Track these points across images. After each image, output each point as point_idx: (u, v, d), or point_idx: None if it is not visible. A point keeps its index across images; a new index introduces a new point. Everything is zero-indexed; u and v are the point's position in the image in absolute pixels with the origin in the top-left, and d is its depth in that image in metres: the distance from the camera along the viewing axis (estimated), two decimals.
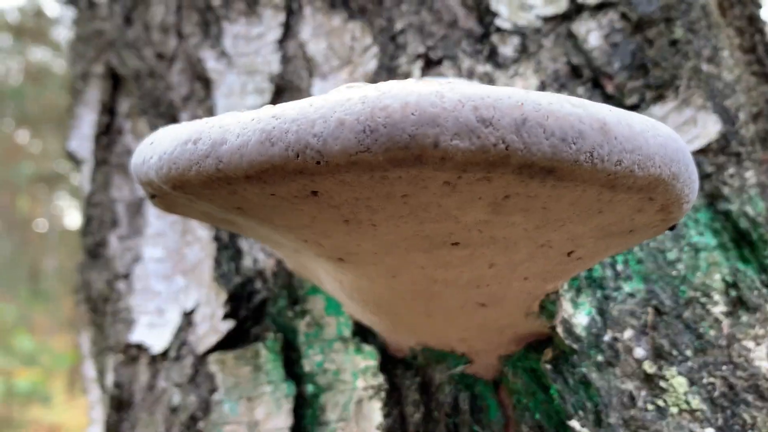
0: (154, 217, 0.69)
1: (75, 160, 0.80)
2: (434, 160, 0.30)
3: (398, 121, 0.29)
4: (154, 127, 0.69)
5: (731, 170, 0.61)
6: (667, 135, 0.34)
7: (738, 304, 0.57)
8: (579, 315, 0.52)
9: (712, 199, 0.59)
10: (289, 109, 0.31)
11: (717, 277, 0.57)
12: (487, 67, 0.58)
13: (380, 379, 0.53)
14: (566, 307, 0.51)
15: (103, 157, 0.75)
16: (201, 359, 0.60)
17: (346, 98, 0.30)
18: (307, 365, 0.57)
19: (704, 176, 0.59)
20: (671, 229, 0.43)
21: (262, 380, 0.57)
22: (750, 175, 0.62)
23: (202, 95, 0.66)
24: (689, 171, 0.36)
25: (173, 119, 0.68)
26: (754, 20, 0.71)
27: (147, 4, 0.72)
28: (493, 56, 0.59)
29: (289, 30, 0.65)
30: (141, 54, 0.72)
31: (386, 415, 0.52)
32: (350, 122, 0.30)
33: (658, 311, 0.54)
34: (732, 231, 0.59)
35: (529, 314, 0.48)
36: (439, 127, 0.29)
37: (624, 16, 0.61)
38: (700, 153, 0.60)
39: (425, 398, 0.53)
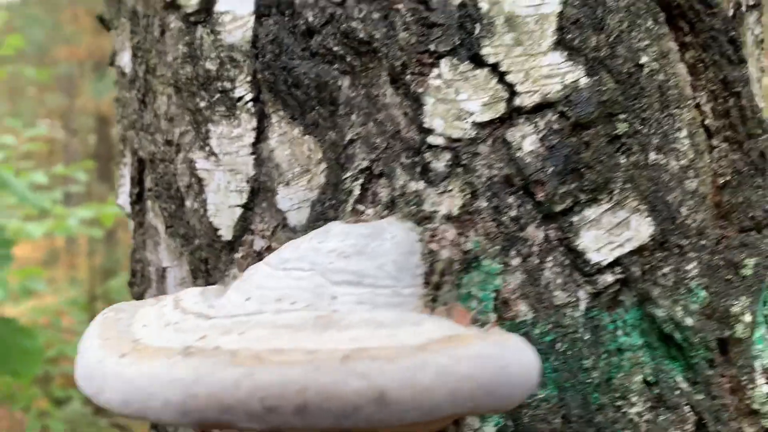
0: (172, 286, 0.81)
1: (125, 213, 0.94)
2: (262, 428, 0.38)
3: (204, 407, 0.38)
4: (164, 211, 0.80)
5: (666, 269, 0.63)
6: (465, 375, 0.40)
7: (658, 404, 0.61)
8: (486, 427, 0.59)
9: (641, 299, 0.62)
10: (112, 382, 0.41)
11: (638, 378, 0.61)
12: (420, 185, 0.63)
13: None
14: (471, 423, 0.58)
15: (139, 221, 0.88)
16: None
17: (168, 379, 0.39)
18: None
19: (634, 279, 0.62)
20: None
21: None
22: (692, 267, 0.64)
23: (197, 189, 0.76)
24: (499, 393, 0.41)
25: (182, 204, 0.79)
26: (728, 84, 0.68)
27: (155, 93, 0.82)
28: (425, 172, 0.63)
29: (261, 134, 0.72)
30: (154, 138, 0.82)
31: None
32: (175, 402, 0.39)
33: (566, 419, 0.59)
34: (658, 331, 0.61)
35: None
36: (234, 415, 0.38)
37: (563, 116, 0.63)
38: (635, 253, 0.62)
39: None
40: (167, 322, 0.48)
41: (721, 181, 0.68)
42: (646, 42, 0.66)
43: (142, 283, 0.88)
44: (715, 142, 0.69)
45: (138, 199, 0.87)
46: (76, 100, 8.50)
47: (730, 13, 0.79)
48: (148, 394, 0.40)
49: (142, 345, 0.44)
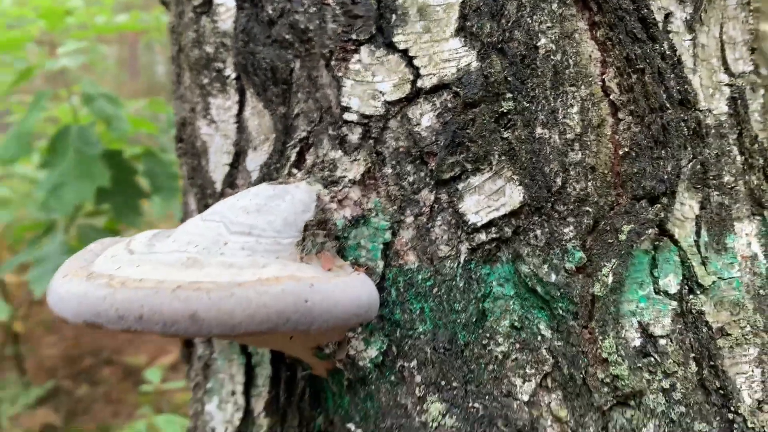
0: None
1: None
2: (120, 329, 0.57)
3: (86, 312, 0.57)
4: (188, 165, 1.00)
5: (538, 231, 0.71)
6: (262, 304, 0.55)
7: (520, 347, 0.71)
8: (370, 350, 0.73)
9: (514, 256, 0.72)
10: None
11: (506, 323, 0.71)
12: (338, 153, 0.76)
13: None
14: (356, 345, 0.73)
15: (182, 173, 1.10)
16: None
17: (74, 293, 0.58)
18: None
19: (506, 239, 0.71)
20: None
21: None
22: (569, 230, 0.72)
23: (204, 149, 0.95)
24: (296, 320, 0.56)
25: (199, 161, 0.98)
26: (631, 61, 0.73)
27: (182, 69, 1.01)
28: (342, 143, 0.76)
29: (242, 107, 0.88)
30: (184, 106, 1.02)
31: (269, 392, 0.81)
32: (73, 309, 0.58)
33: (436, 350, 0.72)
34: (525, 284, 0.71)
35: (313, 357, 0.71)
36: (101, 318, 0.56)
37: (456, 96, 0.73)
38: (508, 216, 0.71)
39: (292, 386, 0.80)
40: (113, 254, 0.68)
41: (621, 152, 0.74)
42: (548, 24, 0.73)
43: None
44: (621, 115, 0.74)
45: (181, 130, 1.08)
46: None
47: None
48: (63, 302, 0.59)
49: (84, 269, 0.64)
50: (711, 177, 0.79)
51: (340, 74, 0.76)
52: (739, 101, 0.85)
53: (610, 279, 0.70)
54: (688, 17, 0.81)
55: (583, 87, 0.73)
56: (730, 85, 0.85)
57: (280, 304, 0.56)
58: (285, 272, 0.60)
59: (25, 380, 6.96)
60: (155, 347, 9.96)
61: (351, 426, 0.73)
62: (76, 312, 0.57)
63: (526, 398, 0.70)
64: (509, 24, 0.72)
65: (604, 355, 0.69)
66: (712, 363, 0.75)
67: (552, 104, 0.72)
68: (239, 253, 0.65)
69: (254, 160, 0.86)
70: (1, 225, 6.71)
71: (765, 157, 0.88)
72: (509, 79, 0.72)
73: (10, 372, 7.42)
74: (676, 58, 0.77)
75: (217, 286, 0.56)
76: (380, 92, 0.75)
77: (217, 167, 0.92)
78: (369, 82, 0.75)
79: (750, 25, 0.90)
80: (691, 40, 0.80)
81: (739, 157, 0.84)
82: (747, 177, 0.84)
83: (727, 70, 0.85)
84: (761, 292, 0.82)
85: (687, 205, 0.77)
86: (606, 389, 0.70)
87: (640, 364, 0.71)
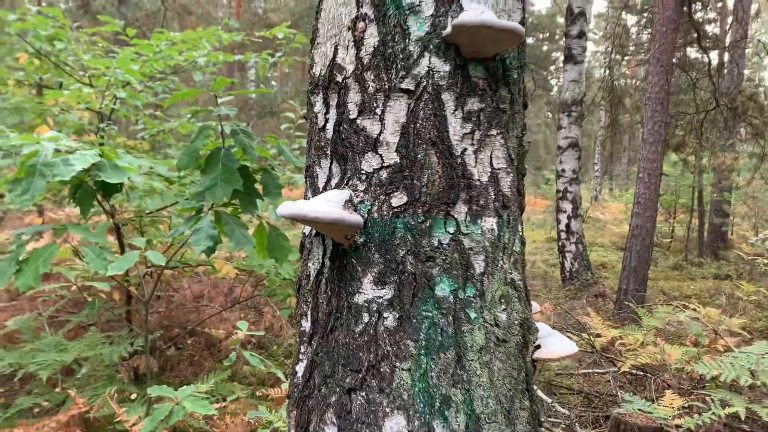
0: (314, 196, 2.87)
1: None
2: (304, 222, 2.39)
3: (303, 218, 2.38)
4: (310, 181, 2.85)
5: (410, 210, 2.52)
6: (325, 219, 2.35)
7: (404, 241, 2.52)
8: (359, 238, 2.53)
9: (405, 217, 2.52)
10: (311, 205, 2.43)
11: (400, 234, 2.52)
12: (358, 183, 2.58)
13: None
14: (356, 237, 2.54)
15: (306, 178, 2.95)
16: None
17: (300, 211, 2.40)
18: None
19: (402, 211, 2.52)
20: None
21: None
22: (421, 211, 2.52)
23: (317, 176, 2.79)
24: (337, 225, 2.35)
25: (314, 181, 2.82)
26: (445, 165, 2.55)
27: (311, 146, 2.85)
28: (361, 179, 2.59)
29: (331, 165, 2.71)
30: (310, 159, 2.87)
31: (331, 252, 2.65)
32: (300, 216, 2.40)
33: (378, 240, 2.53)
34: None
35: (345, 239, 2.53)
36: (297, 217, 2.38)
37: (394, 168, 2.54)
38: (404, 204, 2.52)
39: (338, 251, 2.63)
40: (299, 203, 2.50)
41: (440, 190, 2.54)
42: (427, 146, 2.54)
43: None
44: (443, 179, 2.54)
45: (307, 170, 2.93)
46: None
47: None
48: (295, 215, 2.40)
49: (294, 205, 2.45)
50: (473, 200, 2.58)
51: (361, 167, 2.59)
52: (494, 176, 2.64)
53: (429, 224, 2.50)
54: (475, 149, 2.60)
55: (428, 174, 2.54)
56: (490, 173, 2.64)
57: (337, 218, 2.38)
58: (340, 211, 2.42)
59: (132, 335, 8.95)
60: (231, 325, 11.95)
61: (353, 260, 2.55)
62: (300, 218, 2.40)
63: (404, 251, 2.50)
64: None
65: (424, 245, 2.49)
66: (464, 257, 2.54)
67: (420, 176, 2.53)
68: (331, 207, 2.47)
69: (333, 180, 2.69)
70: (125, 208, 8.77)
71: (503, 195, 2.66)
72: (410, 165, 2.53)
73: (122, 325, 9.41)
74: (463, 164, 2.56)
75: (325, 212, 2.38)
76: (372, 165, 2.57)
77: (321, 182, 2.76)
78: (370, 163, 2.58)
79: (506, 151, 2.69)
80: (475, 157, 2.60)
81: (492, 194, 2.63)
82: (496, 202, 2.63)
83: (491, 166, 2.64)
84: (491, 239, 2.61)
85: (463, 207, 2.56)
86: (427, 256, 2.49)
87: (437, 248, 2.50)
